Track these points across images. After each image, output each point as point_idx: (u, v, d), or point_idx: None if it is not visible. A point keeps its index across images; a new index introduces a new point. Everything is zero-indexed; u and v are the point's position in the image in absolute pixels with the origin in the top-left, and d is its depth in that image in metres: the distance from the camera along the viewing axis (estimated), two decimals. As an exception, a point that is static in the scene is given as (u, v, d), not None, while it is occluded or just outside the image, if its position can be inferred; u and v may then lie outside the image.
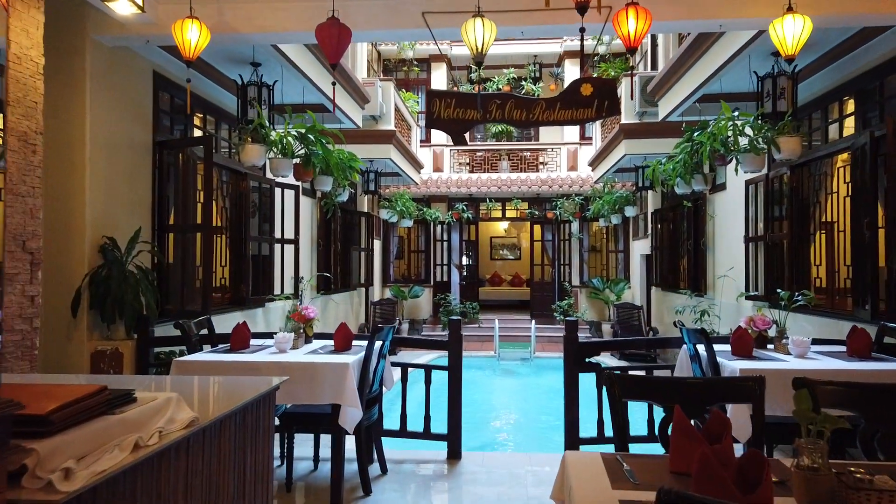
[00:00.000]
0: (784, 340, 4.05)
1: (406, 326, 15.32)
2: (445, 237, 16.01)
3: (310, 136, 5.52)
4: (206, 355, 3.94)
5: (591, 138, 15.84)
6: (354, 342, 4.22)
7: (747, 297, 7.96)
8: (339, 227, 11.91)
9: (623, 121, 10.03)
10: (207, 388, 2.70)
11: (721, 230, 9.08)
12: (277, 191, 8.04)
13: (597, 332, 15.25)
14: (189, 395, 2.47)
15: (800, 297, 4.50)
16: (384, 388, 4.52)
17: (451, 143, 16.73)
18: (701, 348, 3.86)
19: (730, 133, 5.03)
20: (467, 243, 16.86)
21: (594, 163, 13.22)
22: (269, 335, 4.49)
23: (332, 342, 4.29)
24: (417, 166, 13.71)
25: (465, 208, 15.29)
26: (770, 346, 4.19)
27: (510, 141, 17.06)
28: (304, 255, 9.53)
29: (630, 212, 11.40)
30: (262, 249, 7.93)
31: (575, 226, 15.53)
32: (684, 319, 9.19)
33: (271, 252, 7.89)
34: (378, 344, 4.07)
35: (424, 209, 15.38)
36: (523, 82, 16.29)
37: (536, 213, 15.58)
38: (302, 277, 9.24)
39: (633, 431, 4.30)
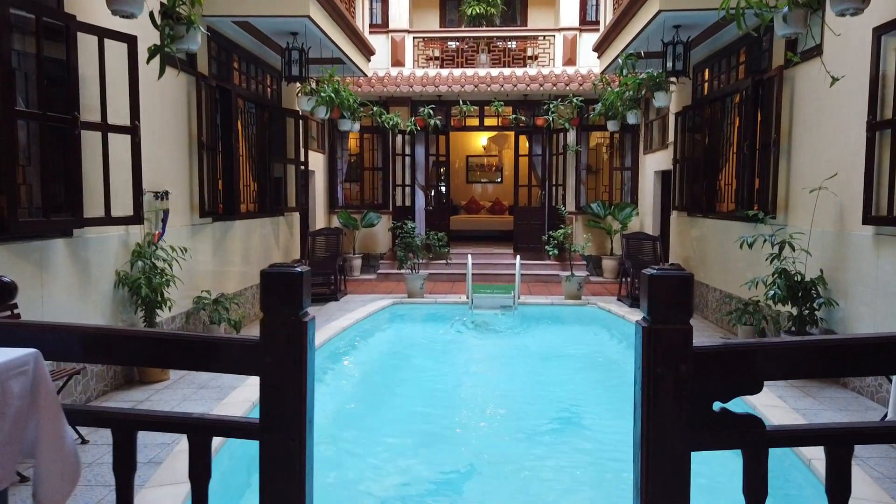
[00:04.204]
0: None
1: (359, 262, 12.23)
2: (409, 151, 12.68)
3: None
4: None
5: (595, 22, 12.35)
6: None
7: (866, 222, 4.93)
8: (252, 126, 8.57)
9: (659, -42, 6.65)
10: None
11: (810, 120, 5.92)
12: (88, 39, 4.67)
13: (596, 269, 12.29)
14: None
15: None
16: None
17: (415, 28, 13.10)
18: None
19: None
20: (436, 161, 13.52)
21: (602, 45, 9.84)
22: None
23: None
24: (366, 51, 10.23)
25: (431, 113, 11.87)
26: None
27: (491, 27, 13.46)
28: (171, 158, 6.22)
29: (661, 100, 8.10)
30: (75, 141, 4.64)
31: (571, 136, 12.26)
32: (753, 257, 6.15)
33: (75, 144, 4.60)
34: None
35: (377, 109, 11.90)
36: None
37: (523, 118, 12.24)
38: (165, 192, 5.99)
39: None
